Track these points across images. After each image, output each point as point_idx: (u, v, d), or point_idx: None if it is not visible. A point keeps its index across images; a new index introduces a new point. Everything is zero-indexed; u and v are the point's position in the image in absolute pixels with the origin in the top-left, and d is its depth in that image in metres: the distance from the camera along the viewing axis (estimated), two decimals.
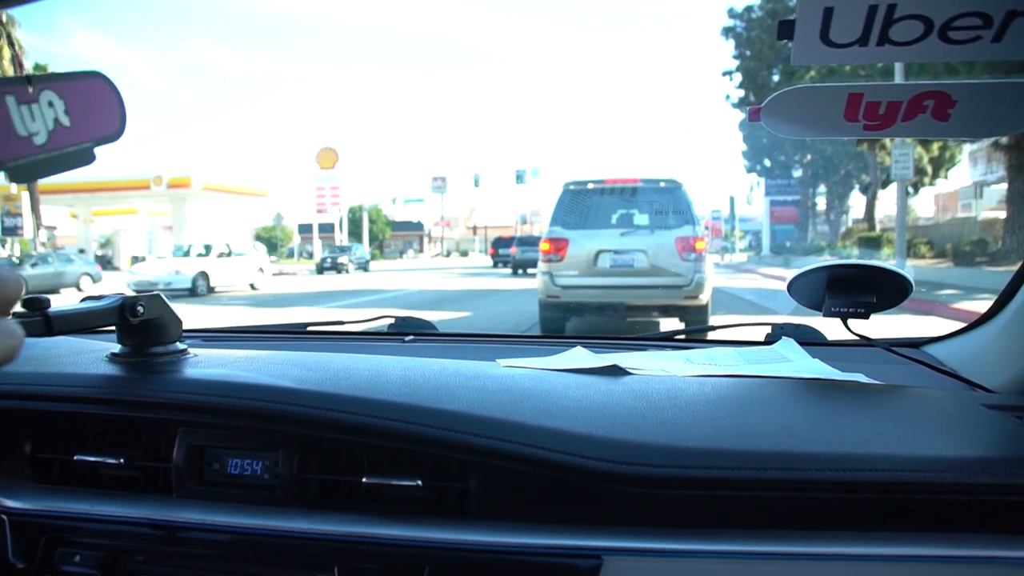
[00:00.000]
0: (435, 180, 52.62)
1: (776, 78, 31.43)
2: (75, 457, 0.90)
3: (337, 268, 32.17)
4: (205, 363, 0.94)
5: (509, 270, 27.42)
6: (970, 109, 0.78)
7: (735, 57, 31.73)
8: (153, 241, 34.69)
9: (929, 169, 29.20)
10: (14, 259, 22.86)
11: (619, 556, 0.68)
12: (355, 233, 48.34)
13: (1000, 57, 0.67)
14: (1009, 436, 0.79)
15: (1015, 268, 1.08)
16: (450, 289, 18.33)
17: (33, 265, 21.61)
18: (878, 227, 28.93)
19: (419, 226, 69.61)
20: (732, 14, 31.07)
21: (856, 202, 35.76)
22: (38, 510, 0.87)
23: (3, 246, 29.23)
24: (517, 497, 0.74)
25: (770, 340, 1.38)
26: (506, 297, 14.57)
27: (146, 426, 0.89)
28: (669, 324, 7.88)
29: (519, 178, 46.43)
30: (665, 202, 8.31)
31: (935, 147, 27.64)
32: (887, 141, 25.25)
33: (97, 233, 39.34)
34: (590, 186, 8.55)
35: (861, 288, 1.13)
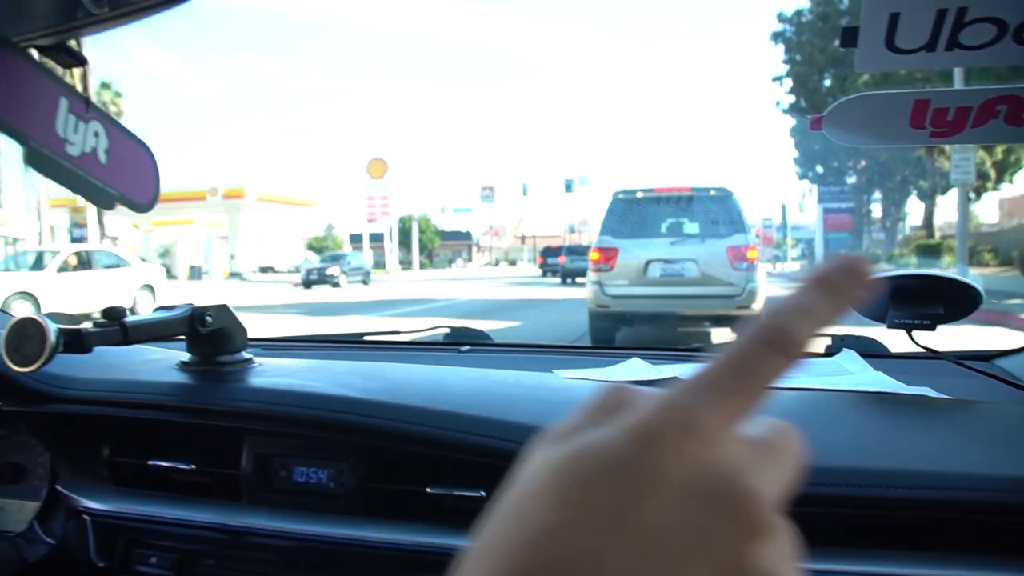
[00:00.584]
0: (484, 190, 52.97)
1: (827, 83, 30.85)
2: (150, 462, 0.93)
3: (325, 281, 26.57)
4: (270, 372, 0.96)
5: (558, 279, 27.36)
6: None
7: (785, 62, 31.24)
8: (209, 250, 35.47)
9: (992, 173, 28.30)
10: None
11: None
12: (405, 243, 48.84)
13: None
14: None
15: None
16: (499, 298, 18.36)
17: None
18: (938, 234, 28.09)
19: (468, 236, 70.00)
20: (782, 18, 30.58)
21: (914, 209, 34.86)
22: (117, 512, 0.90)
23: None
24: None
25: (830, 352, 1.34)
26: (555, 306, 14.53)
27: (215, 433, 0.91)
28: (721, 335, 7.77)
29: (567, 187, 46.44)
30: (716, 210, 8.20)
31: (999, 151, 26.78)
32: (947, 146, 24.60)
33: (156, 243, 40.49)
34: (639, 195, 8.48)
35: (927, 299, 1.10)
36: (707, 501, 0.23)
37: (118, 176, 0.68)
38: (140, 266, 16.77)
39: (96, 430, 0.97)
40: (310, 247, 53.22)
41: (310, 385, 0.88)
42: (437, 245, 62.81)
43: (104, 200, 0.68)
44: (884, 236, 35.60)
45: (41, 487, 1.06)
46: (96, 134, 0.68)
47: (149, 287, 16.50)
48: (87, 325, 0.80)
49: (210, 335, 0.94)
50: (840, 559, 0.67)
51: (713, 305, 7.75)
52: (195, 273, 32.76)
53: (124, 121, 0.82)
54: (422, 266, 51.67)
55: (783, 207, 39.67)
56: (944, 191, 27.87)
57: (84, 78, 0.66)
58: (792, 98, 32.68)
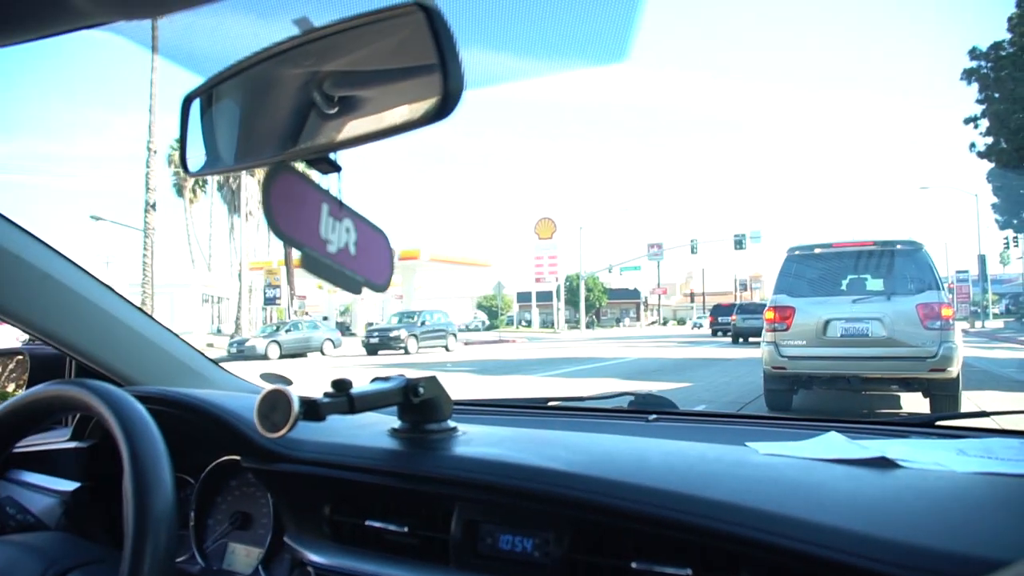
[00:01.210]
0: (651, 247, 52.46)
1: None
2: (366, 522, 1.02)
3: (389, 346, 23.37)
4: (476, 441, 1.03)
5: (729, 339, 26.51)
6: None
7: (979, 101, 28.88)
8: (385, 309, 37.44)
9: None
10: (272, 325, 26.15)
11: None
12: (572, 301, 49.20)
13: None
14: None
15: None
16: (668, 357, 18.02)
17: (287, 331, 24.35)
18: None
19: (635, 294, 69.51)
20: (976, 54, 28.31)
21: None
22: (338, 566, 1.00)
23: (265, 313, 33.46)
24: None
25: None
26: (727, 367, 14.06)
27: (426, 498, 0.99)
28: (911, 401, 7.17)
29: (738, 243, 45.07)
30: (903, 266, 7.66)
31: None
32: None
33: (338, 302, 43.32)
34: (817, 251, 8.11)
35: None
36: None
37: (364, 264, 0.78)
38: (323, 326, 22.93)
39: (320, 489, 1.08)
40: (479, 306, 54.85)
41: (516, 456, 0.94)
42: (604, 304, 62.82)
43: (353, 287, 0.77)
44: None
45: (265, 535, 1.19)
46: (348, 230, 0.78)
47: (330, 340, 25.12)
48: (319, 395, 0.90)
49: (420, 405, 1.03)
50: None
51: (902, 367, 7.20)
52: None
53: None
54: (589, 325, 51.73)
55: (982, 258, 36.30)
56: None
57: (338, 181, 0.77)
58: (990, 139, 30.06)
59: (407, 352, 23.64)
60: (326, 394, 0.92)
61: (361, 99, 0.71)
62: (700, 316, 57.26)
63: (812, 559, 0.68)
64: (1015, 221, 34.31)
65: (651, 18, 0.70)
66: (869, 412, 7.58)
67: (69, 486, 1.33)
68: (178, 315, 32.87)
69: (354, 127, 0.71)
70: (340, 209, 0.76)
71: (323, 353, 24.79)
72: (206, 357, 1.60)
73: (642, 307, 71.04)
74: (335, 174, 0.74)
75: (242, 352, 22.76)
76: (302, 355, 23.79)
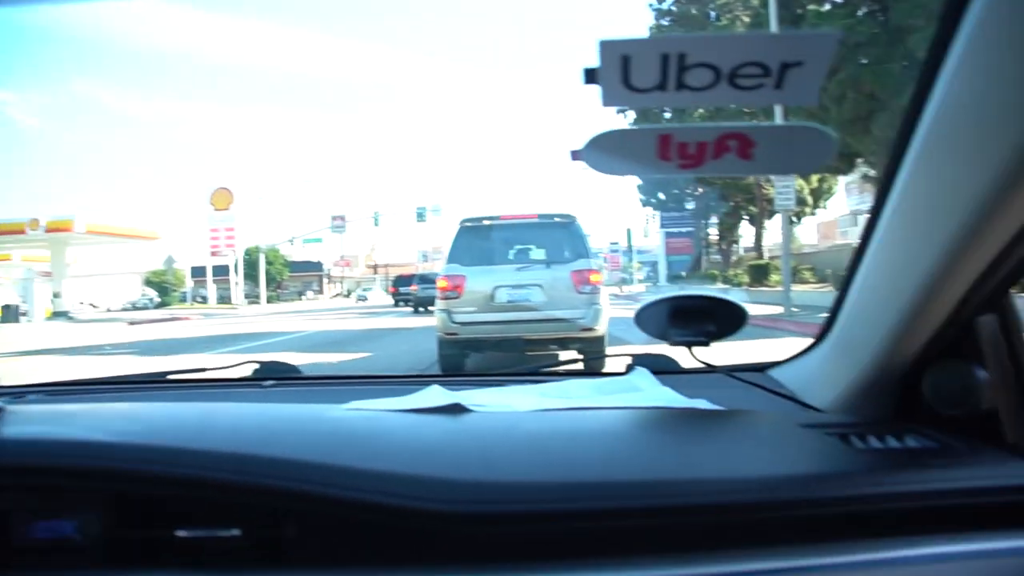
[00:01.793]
0: (334, 219, 51.89)
1: (668, 115, 32.58)
2: None
3: None
4: (16, 421, 0.89)
5: (411, 308, 27.25)
6: (769, 149, 0.83)
7: None
8: (28, 290, 32.59)
9: (810, 200, 30.86)
10: None
11: None
12: (252, 275, 46.99)
13: (784, 102, 0.72)
14: (814, 453, 0.84)
15: None
16: (350, 329, 18.02)
17: None
18: (766, 255, 30.27)
19: (318, 266, 68.37)
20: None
21: (746, 232, 37.38)
22: None
23: None
24: (338, 542, 0.73)
25: (628, 369, 1.42)
26: (408, 336, 14.43)
27: None
28: (567, 355, 7.98)
29: (420, 216, 46.37)
30: (560, 236, 8.48)
31: (814, 179, 29.25)
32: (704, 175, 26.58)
33: None
34: (486, 223, 8.63)
35: (702, 318, 1.18)
36: None
37: None
38: None
39: None
40: (148, 282, 50.18)
41: (55, 432, 0.82)
42: (286, 277, 60.94)
43: None
44: (720, 257, 37.94)
45: None
46: None
47: None
48: None
49: None
50: (605, 570, 0.70)
51: (559, 328, 7.96)
52: (10, 314, 29.92)
53: None
54: (270, 299, 49.84)
55: (628, 232, 41.53)
56: (770, 216, 30.09)
57: None
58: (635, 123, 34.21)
59: None
60: None
61: None
62: (366, 288, 57.26)
63: (351, 504, 0.70)
64: (653, 200, 39.59)
65: None
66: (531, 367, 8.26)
67: None
68: None
69: None
70: None
71: None
72: None
73: (325, 280, 70.22)
74: None
75: None
76: None
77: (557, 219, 8.58)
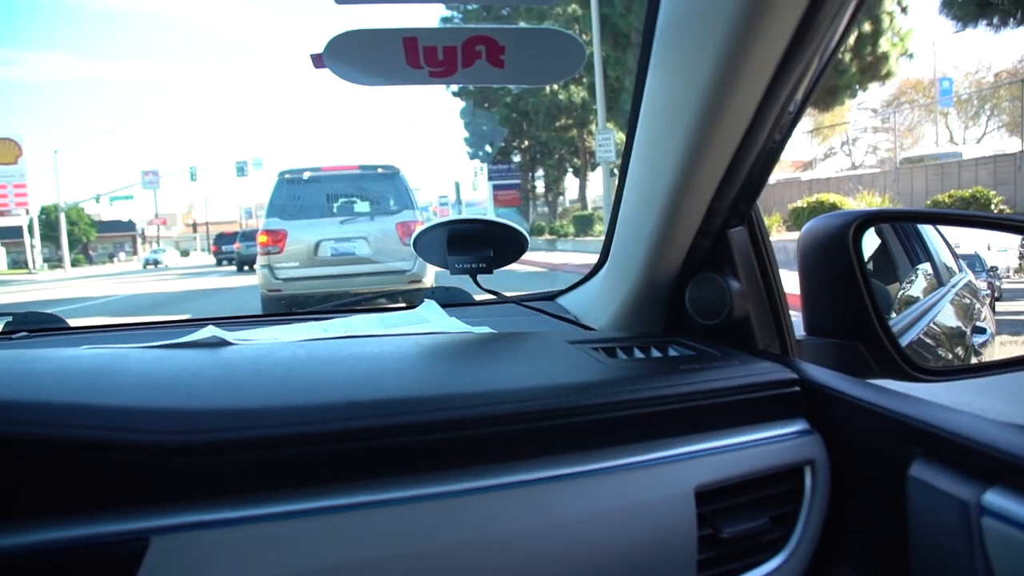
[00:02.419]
0: (146, 175, 48.05)
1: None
2: None
3: None
4: None
5: (234, 267, 26.13)
6: (520, 56, 0.81)
7: None
8: None
9: None
10: None
11: (169, 535, 0.62)
12: (51, 236, 42.85)
13: None
14: (579, 366, 0.84)
15: None
16: (168, 291, 16.92)
17: None
18: (590, 206, 31.37)
19: (130, 225, 63.33)
20: (449, 4, 31.57)
21: (571, 184, 38.47)
22: None
23: None
24: (69, 486, 0.64)
25: (416, 304, 1.39)
26: (231, 296, 13.75)
27: None
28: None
29: (240, 170, 43.90)
30: (384, 188, 8.35)
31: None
32: (593, 126, 27.47)
33: None
34: (306, 175, 8.33)
35: (481, 243, 1.16)
36: None
37: None
38: None
39: None
40: None
41: None
42: (93, 238, 56.12)
43: None
44: (547, 209, 38.89)
45: None
46: None
47: None
48: None
49: None
50: (345, 493, 0.66)
51: (386, 281, 7.87)
52: None
53: None
54: (75, 263, 45.71)
55: (456, 185, 41.52)
56: (593, 168, 31.15)
57: None
58: None
59: None
60: None
61: None
62: (156, 251, 47.43)
63: (56, 442, 0.62)
64: (480, 153, 39.76)
65: None
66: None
67: None
68: None
69: None
70: None
71: None
72: None
73: (139, 240, 65.32)
74: None
75: None
76: None
77: (380, 170, 8.43)
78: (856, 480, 0.81)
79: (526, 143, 36.33)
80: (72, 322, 1.47)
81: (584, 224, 25.31)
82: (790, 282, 1.02)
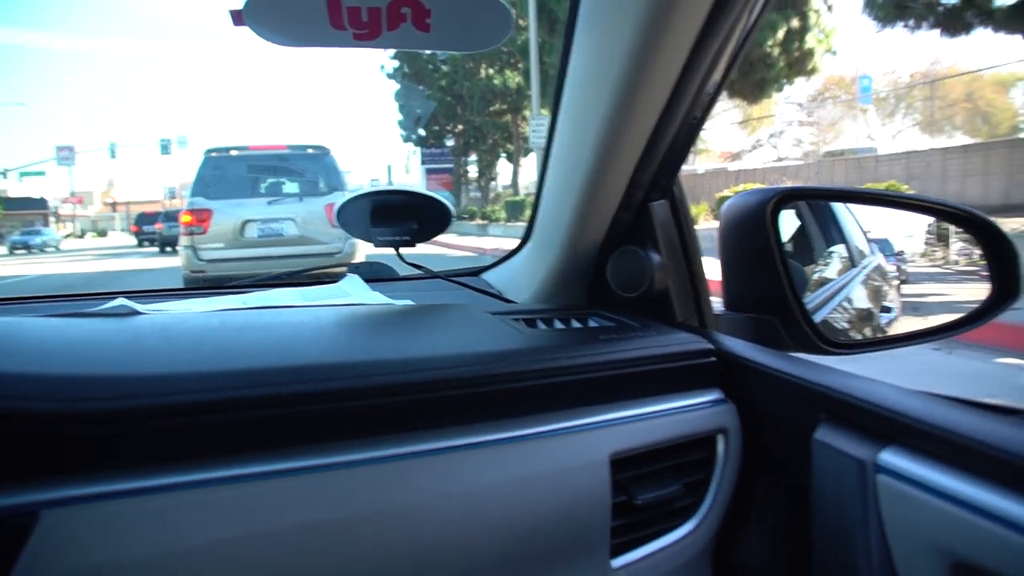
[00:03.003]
0: (60, 150, 45.97)
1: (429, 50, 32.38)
2: None
3: None
4: None
5: (156, 248, 25.34)
6: (446, 21, 0.80)
7: None
8: None
9: None
10: None
11: (61, 508, 0.59)
12: None
13: None
14: (498, 335, 0.84)
15: None
16: (84, 272, 16.26)
17: None
18: (522, 192, 31.43)
19: (42, 203, 60.42)
20: None
21: (504, 169, 38.51)
22: None
23: None
24: None
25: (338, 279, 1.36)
26: (152, 277, 13.32)
27: None
28: None
29: (164, 148, 42.43)
30: (314, 169, 8.21)
31: None
32: (527, 112, 27.52)
33: None
34: (233, 153, 8.13)
35: (406, 216, 1.14)
36: None
37: None
38: None
39: None
40: None
41: None
42: (1, 215, 53.39)
43: None
44: (480, 194, 38.81)
45: None
46: None
47: None
48: None
49: None
50: (250, 462, 0.64)
51: (314, 263, 7.73)
52: None
53: None
54: None
55: (388, 168, 41.06)
56: (526, 154, 31.21)
57: None
58: (396, 63, 33.86)
59: None
60: None
61: None
62: (30, 231, 38.89)
63: None
64: (414, 136, 39.37)
65: None
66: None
67: None
68: None
69: None
70: None
71: None
72: None
73: (52, 218, 62.39)
74: None
75: None
76: None
77: (310, 151, 8.29)
78: (766, 446, 0.84)
79: (460, 127, 36.16)
80: None
81: (516, 209, 25.36)
82: (715, 269, 1.05)
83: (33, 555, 0.55)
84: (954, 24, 15.19)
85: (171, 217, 24.09)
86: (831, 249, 1.51)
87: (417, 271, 1.27)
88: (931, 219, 1.43)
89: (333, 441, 0.66)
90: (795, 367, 0.81)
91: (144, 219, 30.54)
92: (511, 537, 0.71)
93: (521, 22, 19.47)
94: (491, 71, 31.17)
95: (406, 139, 39.34)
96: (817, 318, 1.16)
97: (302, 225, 7.78)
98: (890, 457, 0.65)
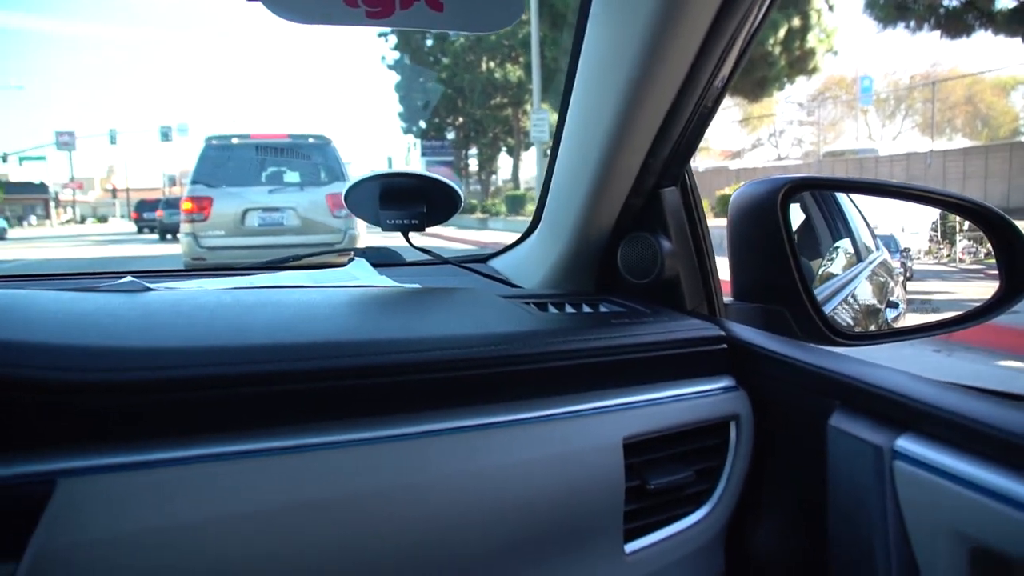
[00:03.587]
0: (60, 136, 45.85)
1: (430, 42, 32.39)
2: None
3: None
4: None
5: (156, 236, 25.32)
6: (459, 0, 0.79)
7: None
8: None
9: None
10: None
11: (77, 476, 0.59)
12: None
13: None
14: (511, 318, 0.84)
15: None
16: (83, 258, 16.24)
17: None
18: (523, 186, 31.41)
19: (43, 188, 60.30)
20: None
21: (504, 163, 38.45)
22: None
23: None
24: None
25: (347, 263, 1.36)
26: (153, 264, 13.29)
27: None
28: None
29: (164, 135, 42.35)
30: (315, 159, 8.19)
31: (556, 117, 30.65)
32: (528, 106, 27.48)
33: None
34: (234, 140, 8.10)
35: (414, 199, 1.14)
36: None
37: None
38: None
39: None
40: None
41: None
42: (0, 200, 53.31)
43: None
44: (480, 187, 38.77)
45: None
46: None
47: None
48: None
49: None
50: (254, 439, 0.64)
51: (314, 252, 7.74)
52: None
53: None
54: None
55: (389, 160, 41.02)
56: (526, 148, 31.17)
57: None
58: (397, 54, 33.83)
59: None
60: None
61: None
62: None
63: None
64: (414, 128, 39.30)
65: None
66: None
67: None
68: None
69: None
70: None
71: None
72: None
73: (52, 203, 62.26)
74: None
75: None
76: None
77: (312, 140, 8.27)
78: (779, 433, 0.84)
79: (460, 120, 36.10)
80: None
81: (516, 204, 25.34)
82: (720, 266, 1.04)
83: (52, 522, 0.55)
84: (955, 26, 15.21)
85: (171, 204, 24.06)
86: (837, 244, 1.50)
87: (424, 256, 1.27)
88: (937, 215, 1.42)
89: (344, 419, 0.66)
90: (807, 354, 0.81)
91: (144, 206, 30.50)
92: (524, 518, 0.71)
93: (522, 16, 19.43)
94: (492, 64, 31.12)
95: (407, 131, 39.28)
96: (824, 311, 1.15)
97: (303, 214, 7.77)
98: (907, 444, 0.65)
